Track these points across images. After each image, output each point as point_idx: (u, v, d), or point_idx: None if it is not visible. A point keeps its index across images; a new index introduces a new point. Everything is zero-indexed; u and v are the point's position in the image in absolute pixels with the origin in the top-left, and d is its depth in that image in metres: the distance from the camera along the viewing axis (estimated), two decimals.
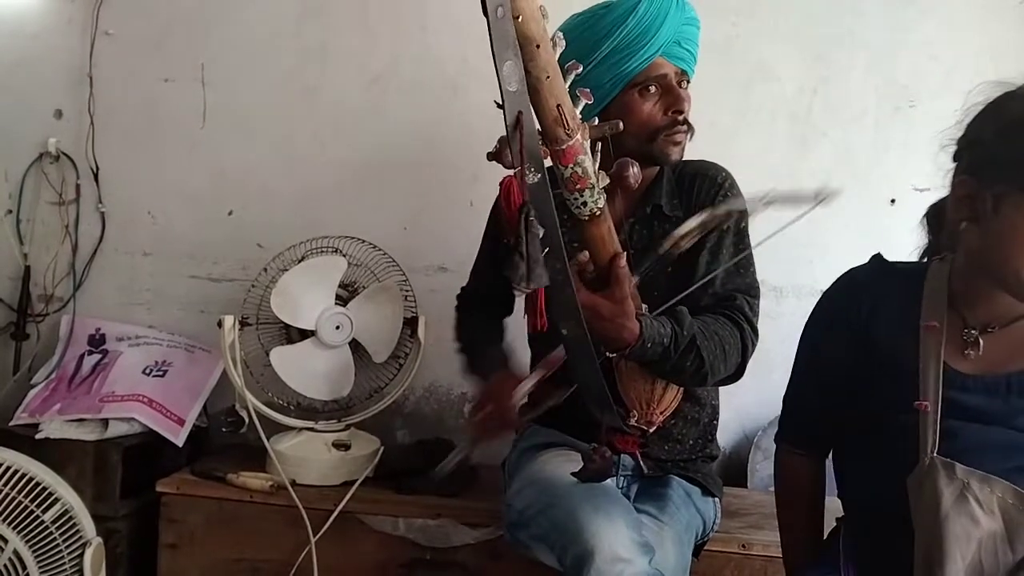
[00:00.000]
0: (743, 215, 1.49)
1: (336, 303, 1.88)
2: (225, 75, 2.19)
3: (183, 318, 2.22)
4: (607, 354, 1.31)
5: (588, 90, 1.05)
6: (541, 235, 1.00)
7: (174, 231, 2.22)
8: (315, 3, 2.16)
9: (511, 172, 1.01)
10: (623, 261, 1.20)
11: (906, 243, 1.27)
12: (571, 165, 1.06)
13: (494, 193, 2.07)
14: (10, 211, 2.22)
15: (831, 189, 1.33)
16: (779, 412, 1.99)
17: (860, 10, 2.06)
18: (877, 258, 1.24)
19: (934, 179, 1.18)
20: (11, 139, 2.22)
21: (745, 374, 1.45)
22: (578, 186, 1.09)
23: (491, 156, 1.05)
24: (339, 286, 1.90)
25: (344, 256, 1.90)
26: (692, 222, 1.36)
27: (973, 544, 1.02)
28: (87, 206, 2.22)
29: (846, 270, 1.26)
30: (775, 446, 1.37)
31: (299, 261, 1.88)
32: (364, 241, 1.95)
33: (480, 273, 1.76)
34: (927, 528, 1.05)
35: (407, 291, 1.97)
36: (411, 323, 1.96)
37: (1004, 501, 1.03)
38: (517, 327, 1.77)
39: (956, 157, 1.13)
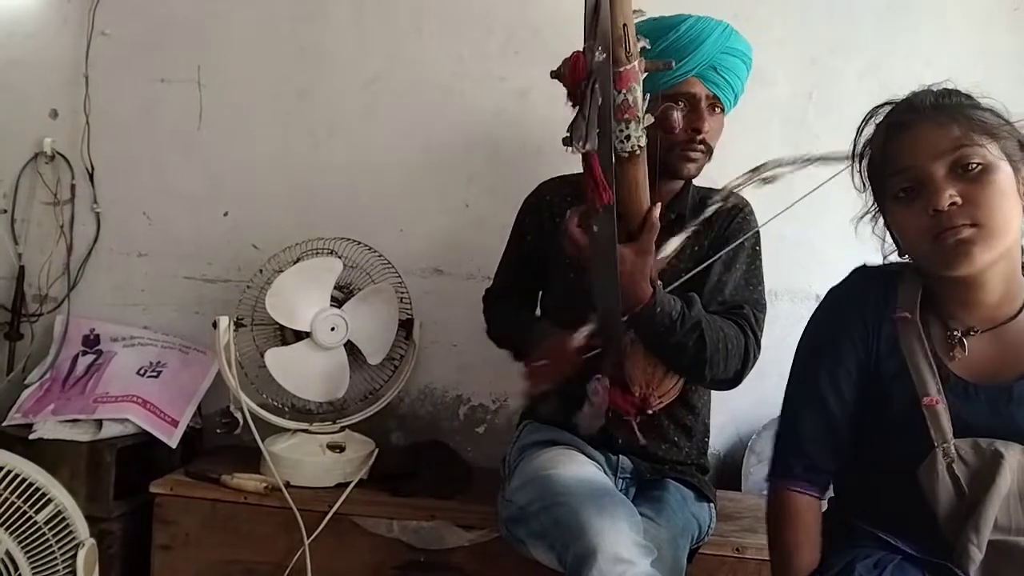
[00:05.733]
0: (758, 238, 1.57)
1: (331, 305, 1.87)
2: (221, 76, 2.19)
3: (178, 319, 2.21)
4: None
5: (647, 38, 1.10)
6: (600, 103, 1.05)
7: (169, 232, 2.22)
8: (311, 5, 2.16)
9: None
10: (657, 212, 1.23)
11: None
12: (624, 91, 1.09)
13: (489, 194, 2.11)
14: (5, 211, 2.21)
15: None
16: (773, 416, 2.02)
17: (855, 15, 2.06)
18: (857, 270, 1.28)
19: None
20: (6, 139, 2.21)
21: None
22: (626, 115, 1.11)
23: (554, 74, 1.09)
24: (334, 288, 1.90)
25: (339, 258, 1.90)
26: (675, 241, 1.39)
27: (999, 501, 1.08)
28: (82, 206, 2.21)
29: (829, 289, 1.29)
30: (771, 488, 1.25)
31: (294, 262, 1.88)
32: (359, 243, 1.94)
33: (507, 272, 1.78)
34: (968, 497, 1.09)
35: (402, 293, 1.98)
36: (406, 325, 1.97)
37: None
38: None
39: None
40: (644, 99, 1.12)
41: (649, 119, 1.14)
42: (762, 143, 2.09)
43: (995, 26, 2.03)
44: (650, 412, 1.44)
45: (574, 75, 1.06)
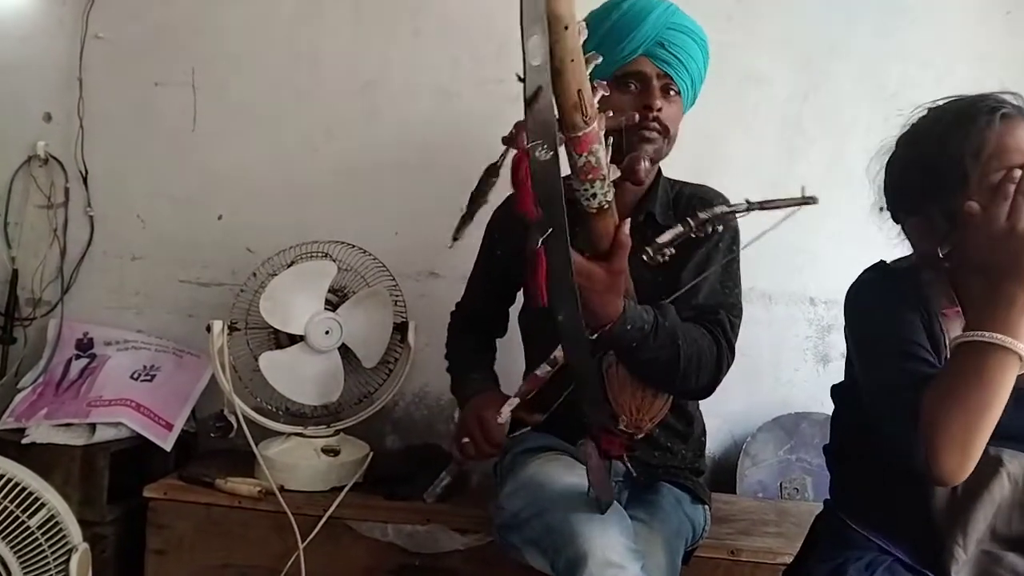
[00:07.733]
0: (735, 238, 1.52)
1: (326, 308, 1.87)
2: (216, 79, 2.18)
3: (172, 322, 2.21)
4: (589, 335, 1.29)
5: (605, 83, 1.05)
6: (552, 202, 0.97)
7: (163, 235, 2.21)
8: (307, 7, 2.16)
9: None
10: (626, 229, 1.19)
11: (895, 251, 1.28)
12: (585, 154, 1.05)
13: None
14: None
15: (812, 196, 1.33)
16: (767, 419, 2.02)
17: (851, 17, 2.07)
18: (879, 264, 1.26)
19: None
20: (0, 142, 2.20)
21: (728, 386, 1.45)
22: (590, 176, 1.08)
23: (506, 140, 1.02)
24: (329, 291, 1.89)
25: (334, 261, 1.90)
26: (675, 229, 1.32)
27: (993, 508, 1.09)
28: (76, 209, 2.21)
29: (855, 279, 1.27)
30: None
31: (289, 266, 1.87)
32: (354, 246, 1.94)
33: (475, 289, 1.77)
34: (959, 498, 1.10)
35: (397, 296, 1.97)
36: (401, 328, 1.96)
37: None
38: (508, 349, 1.79)
39: (893, 216, 1.23)
40: (608, 149, 1.07)
41: (615, 172, 1.11)
42: (758, 146, 2.10)
43: (991, 27, 2.04)
44: (643, 435, 1.43)
45: (517, 180, 0.96)
